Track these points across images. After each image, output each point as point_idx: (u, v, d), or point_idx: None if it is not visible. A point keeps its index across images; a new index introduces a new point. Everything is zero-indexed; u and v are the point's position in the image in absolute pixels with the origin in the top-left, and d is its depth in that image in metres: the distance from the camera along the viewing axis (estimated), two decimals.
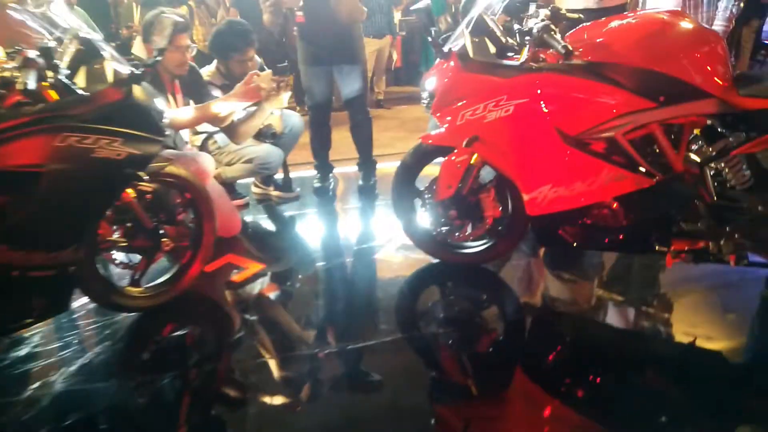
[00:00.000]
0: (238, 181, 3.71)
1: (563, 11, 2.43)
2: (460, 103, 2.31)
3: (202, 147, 3.44)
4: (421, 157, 2.68)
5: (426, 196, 2.69)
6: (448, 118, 2.36)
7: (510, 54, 2.41)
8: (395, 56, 7.86)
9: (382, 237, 3.18)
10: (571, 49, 1.98)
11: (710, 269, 2.54)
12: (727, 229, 2.13)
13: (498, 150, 2.30)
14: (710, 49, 2.03)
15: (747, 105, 1.99)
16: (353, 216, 3.57)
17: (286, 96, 3.27)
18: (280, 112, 3.45)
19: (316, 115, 3.73)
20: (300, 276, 2.92)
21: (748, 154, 2.11)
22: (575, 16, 2.41)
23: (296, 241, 3.33)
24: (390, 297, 2.64)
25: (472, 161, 2.50)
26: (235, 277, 2.82)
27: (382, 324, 2.42)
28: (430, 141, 2.59)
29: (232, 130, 3.15)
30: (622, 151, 2.14)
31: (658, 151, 2.17)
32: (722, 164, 2.14)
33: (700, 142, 2.20)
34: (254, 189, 3.82)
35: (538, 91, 2.17)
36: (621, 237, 2.33)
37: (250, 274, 2.84)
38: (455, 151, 2.51)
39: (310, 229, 3.45)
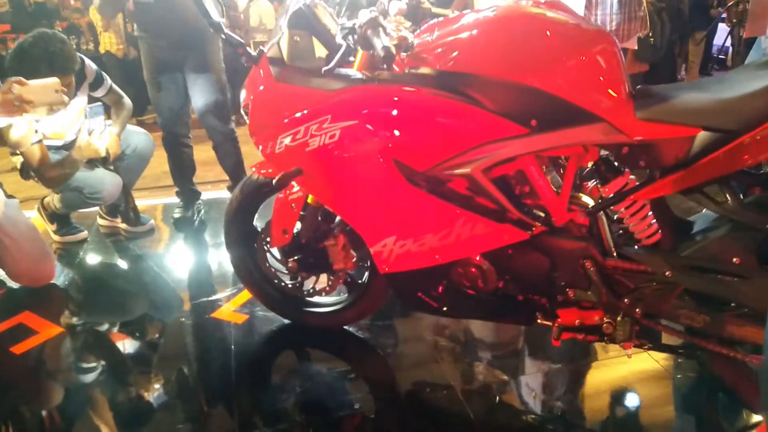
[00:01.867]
0: (82, 211, 3.05)
1: (426, 4, 1.85)
2: (276, 123, 1.70)
3: (22, 171, 2.78)
4: (256, 189, 2.06)
5: (264, 240, 2.09)
6: (269, 144, 1.75)
7: (351, 59, 1.82)
8: None
9: (232, 286, 2.55)
10: (393, 51, 1.38)
11: (605, 351, 1.98)
12: (626, 300, 1.56)
13: (327, 188, 1.70)
14: (599, 57, 1.46)
15: (644, 133, 1.42)
16: (212, 255, 2.92)
17: (102, 141, 2.65)
18: (118, 132, 2.80)
19: (168, 135, 3.07)
20: (106, 346, 2.26)
21: (654, 198, 1.55)
22: (444, 11, 1.81)
23: (123, 292, 2.65)
24: (222, 378, 2.00)
25: (309, 199, 1.90)
26: (18, 346, 2.16)
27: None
28: (262, 172, 1.98)
29: (40, 174, 2.54)
30: (484, 193, 1.56)
31: (534, 192, 1.59)
32: (622, 209, 1.57)
33: (593, 180, 1.63)
34: (100, 221, 3.16)
35: (366, 111, 1.57)
36: (495, 304, 1.75)
37: (38, 342, 2.18)
38: (290, 186, 1.91)
39: (148, 274, 2.78)
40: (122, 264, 2.90)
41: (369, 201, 1.64)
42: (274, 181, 1.69)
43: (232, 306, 2.39)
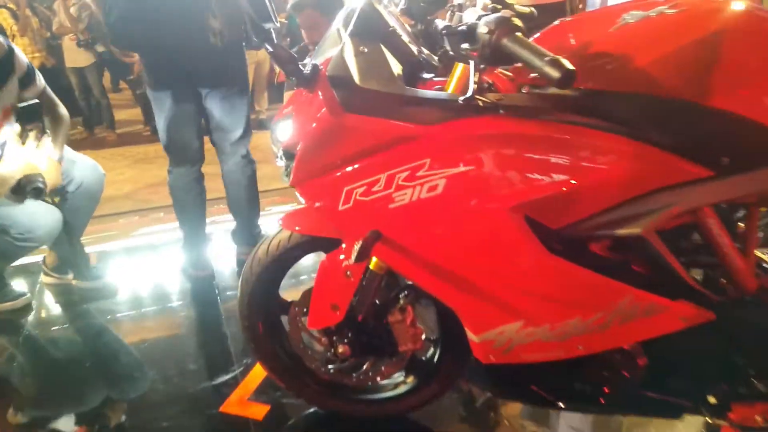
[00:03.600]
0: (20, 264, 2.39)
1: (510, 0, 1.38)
2: (341, 170, 1.20)
3: None
4: (286, 250, 1.54)
5: (299, 313, 1.57)
6: (323, 197, 1.24)
7: (426, 76, 1.33)
8: (277, 69, 6.65)
9: (236, 363, 1.99)
10: (572, 68, 0.91)
11: None
12: None
13: (419, 258, 1.21)
14: None
15: None
16: (204, 319, 2.33)
17: (40, 154, 2.01)
18: (59, 157, 2.14)
19: (179, 170, 2.44)
20: None
21: None
22: (526, 10, 1.34)
23: (83, 381, 1.99)
24: None
25: (371, 265, 1.40)
26: None
27: None
28: (297, 229, 1.47)
29: None
30: (655, 261, 1.12)
31: (711, 255, 1.17)
32: None
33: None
34: (44, 279, 2.50)
35: (487, 152, 1.10)
36: (640, 394, 1.31)
37: None
38: (340, 248, 1.40)
39: (117, 351, 2.16)
40: (79, 338, 2.26)
41: (487, 277, 1.17)
42: (354, 257, 1.18)
43: (245, 393, 1.84)
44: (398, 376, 1.66)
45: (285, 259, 1.55)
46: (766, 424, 1.23)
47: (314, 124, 1.20)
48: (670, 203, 1.08)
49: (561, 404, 1.36)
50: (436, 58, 1.37)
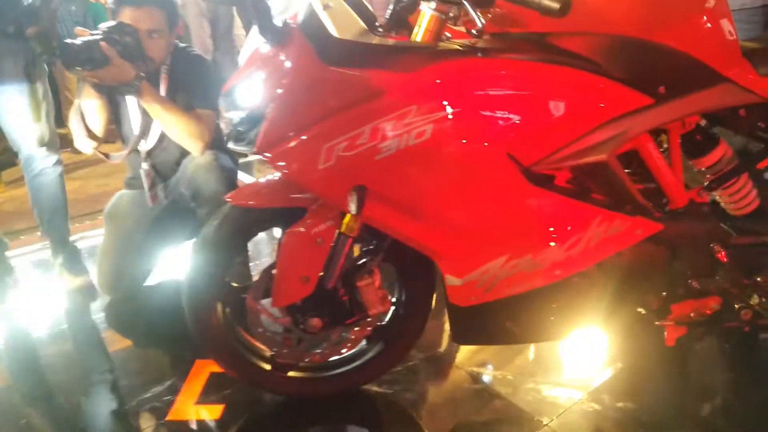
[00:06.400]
0: None
1: None
2: (320, 127, 1.17)
3: None
4: (234, 228, 1.45)
5: (258, 294, 1.49)
6: (298, 159, 1.20)
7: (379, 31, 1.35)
8: None
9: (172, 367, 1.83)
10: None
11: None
12: (759, 278, 1.40)
13: (405, 208, 1.23)
14: (718, 6, 1.26)
15: None
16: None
17: None
18: None
19: None
20: None
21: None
22: None
23: None
24: None
25: (342, 227, 1.37)
26: None
27: None
28: (251, 203, 1.40)
29: None
30: (615, 183, 1.26)
31: (649, 175, 1.34)
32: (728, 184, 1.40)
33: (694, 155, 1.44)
34: None
35: (470, 94, 1.15)
36: (602, 316, 1.46)
37: None
38: (306, 216, 1.36)
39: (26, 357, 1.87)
40: None
41: (473, 216, 1.22)
42: (351, 204, 1.16)
43: (190, 397, 1.70)
44: (362, 344, 1.65)
45: (234, 240, 1.47)
46: (698, 318, 1.44)
47: (291, 80, 1.16)
48: (624, 130, 1.22)
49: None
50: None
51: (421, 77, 1.14)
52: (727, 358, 1.71)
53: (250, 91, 1.22)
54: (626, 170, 1.34)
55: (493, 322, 1.42)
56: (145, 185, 1.97)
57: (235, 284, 1.53)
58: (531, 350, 1.77)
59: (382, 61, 1.14)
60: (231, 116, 1.27)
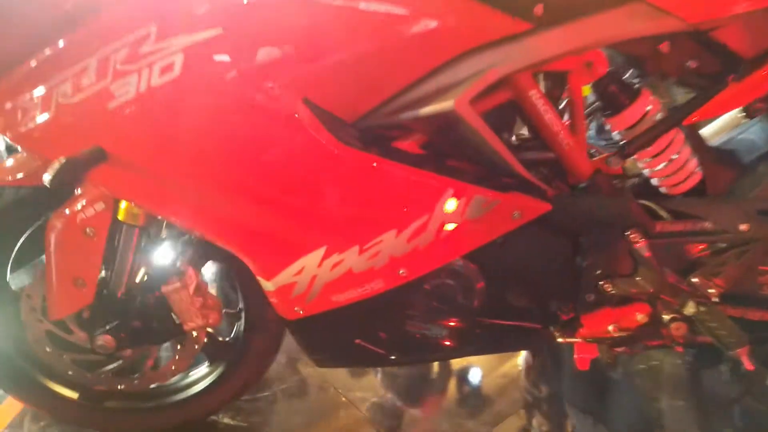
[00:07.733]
0: None
1: None
2: (35, 60, 0.81)
3: None
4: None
5: (35, 302, 1.13)
6: (12, 110, 0.84)
7: None
8: None
9: None
10: None
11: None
12: (695, 279, 1.01)
13: (168, 181, 0.86)
14: None
15: (710, 11, 0.89)
16: None
17: None
18: None
19: None
20: None
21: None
22: None
23: None
24: None
25: (121, 214, 1.00)
26: None
27: None
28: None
29: None
30: (475, 145, 0.88)
31: (538, 135, 0.97)
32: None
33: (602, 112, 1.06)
34: None
35: (239, 9, 0.79)
36: (484, 331, 1.08)
37: None
38: (73, 197, 1.00)
39: None
40: None
41: (266, 191, 0.85)
42: (122, 212, 0.81)
43: None
44: (200, 367, 1.29)
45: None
46: (620, 332, 1.06)
47: None
48: (484, 68, 0.85)
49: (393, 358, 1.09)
50: None
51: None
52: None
53: None
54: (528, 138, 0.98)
55: (337, 340, 1.05)
56: None
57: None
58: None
59: None
60: None
